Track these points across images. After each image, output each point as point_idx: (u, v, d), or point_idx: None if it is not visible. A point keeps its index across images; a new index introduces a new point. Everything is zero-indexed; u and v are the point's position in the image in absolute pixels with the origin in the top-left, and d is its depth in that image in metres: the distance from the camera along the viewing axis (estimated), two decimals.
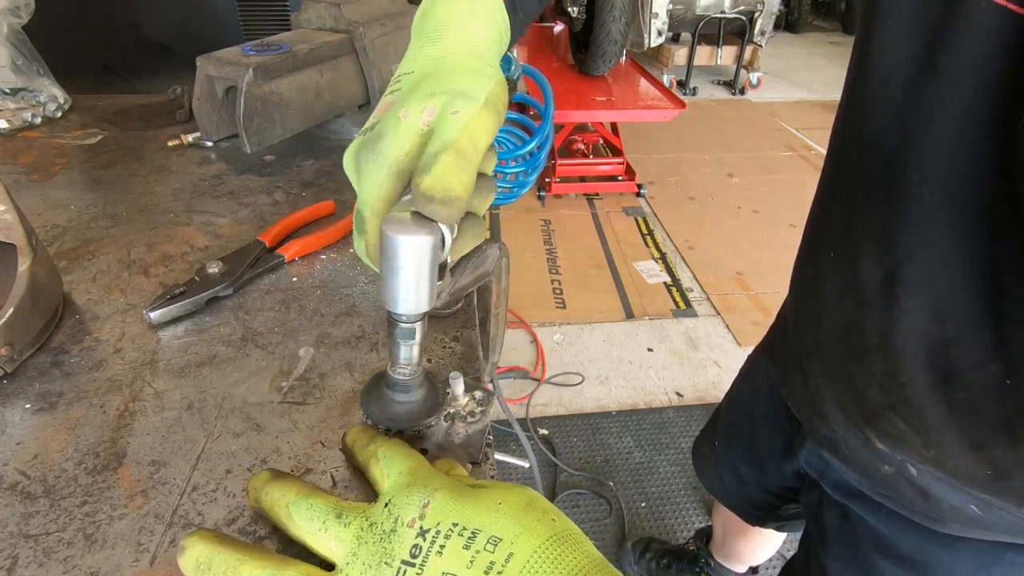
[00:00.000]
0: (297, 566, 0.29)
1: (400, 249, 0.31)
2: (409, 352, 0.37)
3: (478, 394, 0.45)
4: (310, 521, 0.30)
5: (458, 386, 0.43)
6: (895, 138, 0.37)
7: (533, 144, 0.54)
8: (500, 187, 0.55)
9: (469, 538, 0.27)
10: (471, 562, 0.26)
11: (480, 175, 0.37)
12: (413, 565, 0.27)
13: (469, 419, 0.43)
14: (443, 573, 0.26)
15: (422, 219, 0.31)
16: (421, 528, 0.28)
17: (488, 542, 0.27)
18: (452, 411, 0.43)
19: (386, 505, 0.30)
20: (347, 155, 0.34)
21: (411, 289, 0.32)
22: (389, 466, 0.33)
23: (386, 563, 0.27)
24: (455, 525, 0.27)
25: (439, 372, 0.44)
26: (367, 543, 0.29)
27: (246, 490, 0.35)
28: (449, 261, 0.36)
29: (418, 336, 0.36)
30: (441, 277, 0.36)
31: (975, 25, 0.31)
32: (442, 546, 0.27)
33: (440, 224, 0.31)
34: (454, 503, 0.29)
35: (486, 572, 0.26)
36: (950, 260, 0.35)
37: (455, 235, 0.35)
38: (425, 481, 0.31)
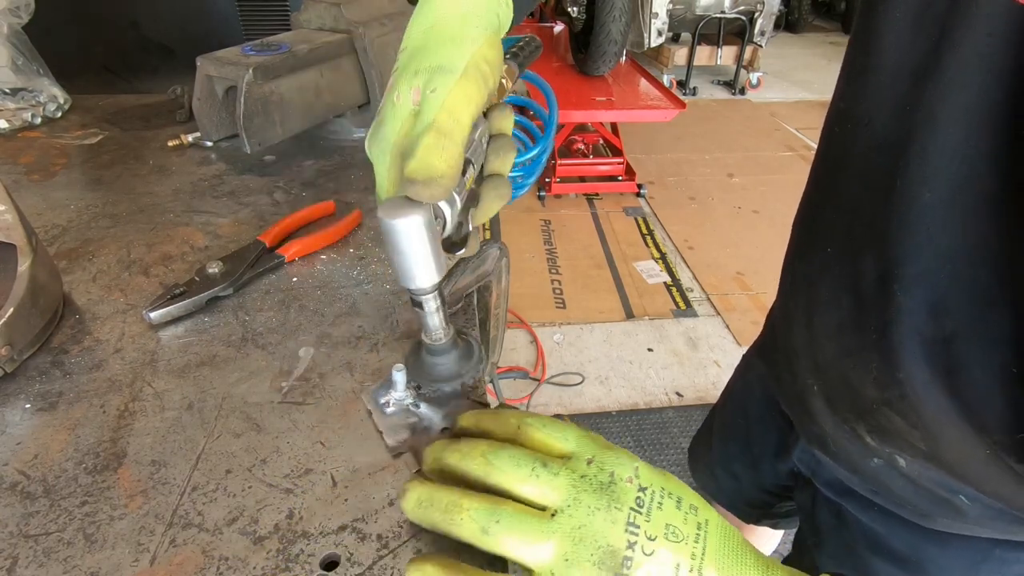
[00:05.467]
0: (512, 503, 0.30)
1: (390, 231, 0.33)
2: (432, 320, 0.39)
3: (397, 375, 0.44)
4: (518, 468, 0.31)
5: (400, 377, 0.43)
6: (898, 136, 0.36)
7: (535, 151, 0.56)
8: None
9: (677, 501, 0.31)
10: (684, 520, 0.31)
11: (498, 136, 0.39)
12: (640, 512, 0.30)
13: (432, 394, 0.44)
14: (667, 524, 0.30)
15: (410, 200, 0.33)
16: (640, 485, 0.31)
17: (690, 508, 0.31)
18: (409, 402, 0.44)
19: (589, 462, 0.32)
20: (366, 141, 0.36)
21: (413, 265, 0.34)
22: (562, 431, 0.34)
23: (616, 507, 0.30)
24: (663, 489, 0.31)
25: (468, 331, 0.46)
26: (586, 491, 0.30)
27: (423, 456, 0.36)
28: (472, 228, 0.39)
29: (435, 306, 0.38)
30: (455, 250, 0.38)
31: (984, 21, 0.30)
32: (660, 503, 0.31)
33: (430, 202, 0.33)
34: (656, 473, 0.32)
35: (697, 530, 0.30)
36: (949, 257, 0.35)
37: (479, 202, 0.38)
38: (619, 449, 0.34)
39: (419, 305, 0.38)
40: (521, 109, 0.59)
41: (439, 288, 0.37)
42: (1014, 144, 0.29)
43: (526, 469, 0.31)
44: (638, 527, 0.29)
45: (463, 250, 0.39)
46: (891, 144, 0.37)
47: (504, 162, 0.39)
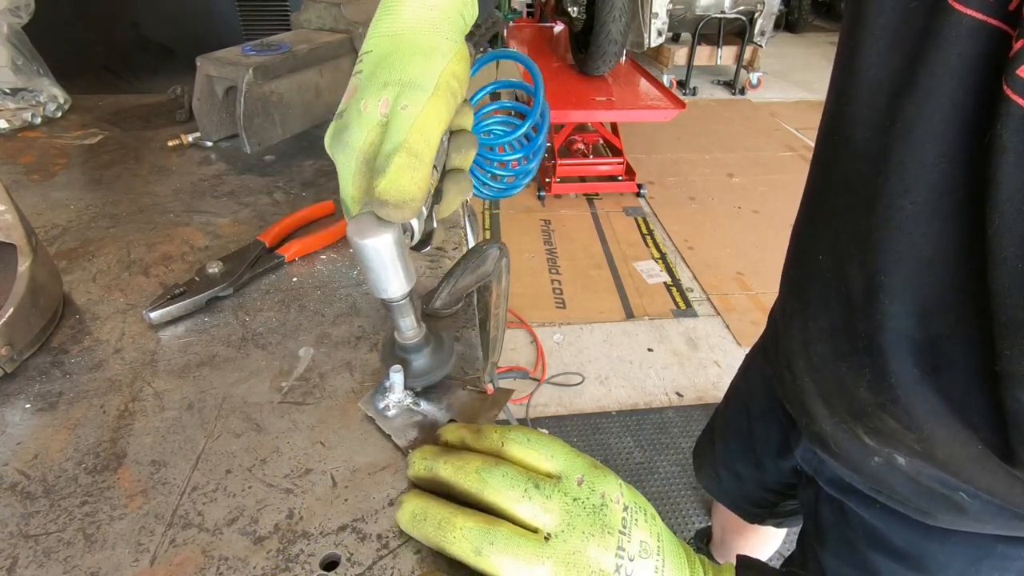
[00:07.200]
0: (507, 524, 0.31)
1: (362, 251, 0.34)
2: (406, 322, 0.41)
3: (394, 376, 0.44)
4: (511, 488, 0.32)
5: (399, 378, 0.43)
6: (878, 149, 0.37)
7: (527, 126, 0.53)
8: (503, 175, 0.57)
9: (645, 513, 0.34)
10: (650, 533, 0.33)
11: (459, 132, 0.39)
12: (625, 534, 0.32)
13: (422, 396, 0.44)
14: (641, 541, 0.32)
15: (380, 220, 0.34)
16: (624, 504, 0.33)
17: (652, 518, 0.34)
18: (409, 401, 0.44)
19: (580, 482, 0.33)
20: (326, 138, 0.36)
21: (385, 279, 0.35)
22: (547, 447, 0.34)
23: (608, 532, 0.31)
24: (635, 504, 0.34)
25: (441, 330, 0.47)
26: (579, 515, 0.31)
27: (409, 462, 0.37)
28: (436, 224, 0.40)
29: (408, 310, 0.39)
30: (421, 248, 0.40)
31: (953, 40, 0.31)
32: (636, 520, 0.33)
33: (400, 222, 0.34)
34: (628, 486, 0.34)
35: (658, 540, 0.33)
36: (932, 264, 0.36)
37: (442, 197, 0.39)
38: (601, 465, 0.35)
39: (392, 311, 0.39)
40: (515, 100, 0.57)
41: (410, 295, 0.38)
42: (985, 154, 0.30)
43: (519, 490, 0.32)
44: (624, 550, 0.31)
45: (428, 247, 0.41)
46: (872, 157, 0.38)
47: (465, 158, 0.40)
